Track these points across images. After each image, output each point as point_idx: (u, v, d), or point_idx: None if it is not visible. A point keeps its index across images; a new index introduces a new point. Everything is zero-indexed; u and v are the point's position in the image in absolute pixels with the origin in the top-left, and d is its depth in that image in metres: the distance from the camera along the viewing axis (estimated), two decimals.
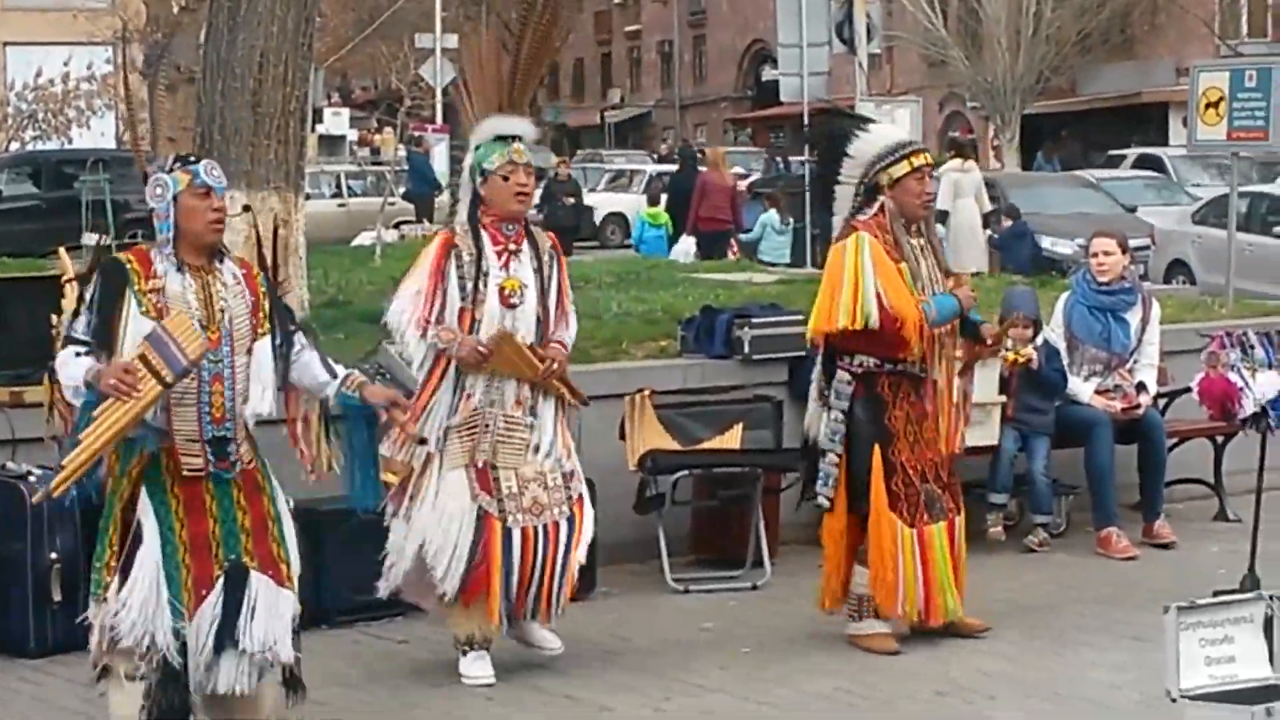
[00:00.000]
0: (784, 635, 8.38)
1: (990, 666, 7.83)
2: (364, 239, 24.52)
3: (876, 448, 7.96)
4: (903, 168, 7.99)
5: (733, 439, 9.59)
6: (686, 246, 24.64)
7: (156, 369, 6.06)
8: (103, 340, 6.19)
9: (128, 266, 6.29)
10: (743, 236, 25.22)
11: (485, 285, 7.52)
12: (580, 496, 7.69)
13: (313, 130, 36.41)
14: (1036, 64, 41.74)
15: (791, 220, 25.02)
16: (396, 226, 28.66)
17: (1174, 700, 6.07)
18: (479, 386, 7.55)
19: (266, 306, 6.42)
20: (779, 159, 43.55)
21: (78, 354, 6.16)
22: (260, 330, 6.38)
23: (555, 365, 7.58)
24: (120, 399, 6.02)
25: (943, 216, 23.03)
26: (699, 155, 29.63)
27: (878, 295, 7.81)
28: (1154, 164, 31.87)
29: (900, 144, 8.10)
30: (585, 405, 7.89)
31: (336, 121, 46.57)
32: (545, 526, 7.57)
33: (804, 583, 9.27)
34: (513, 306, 7.56)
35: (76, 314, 6.38)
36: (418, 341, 7.53)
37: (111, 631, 6.29)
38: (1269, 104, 14.00)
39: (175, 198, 6.32)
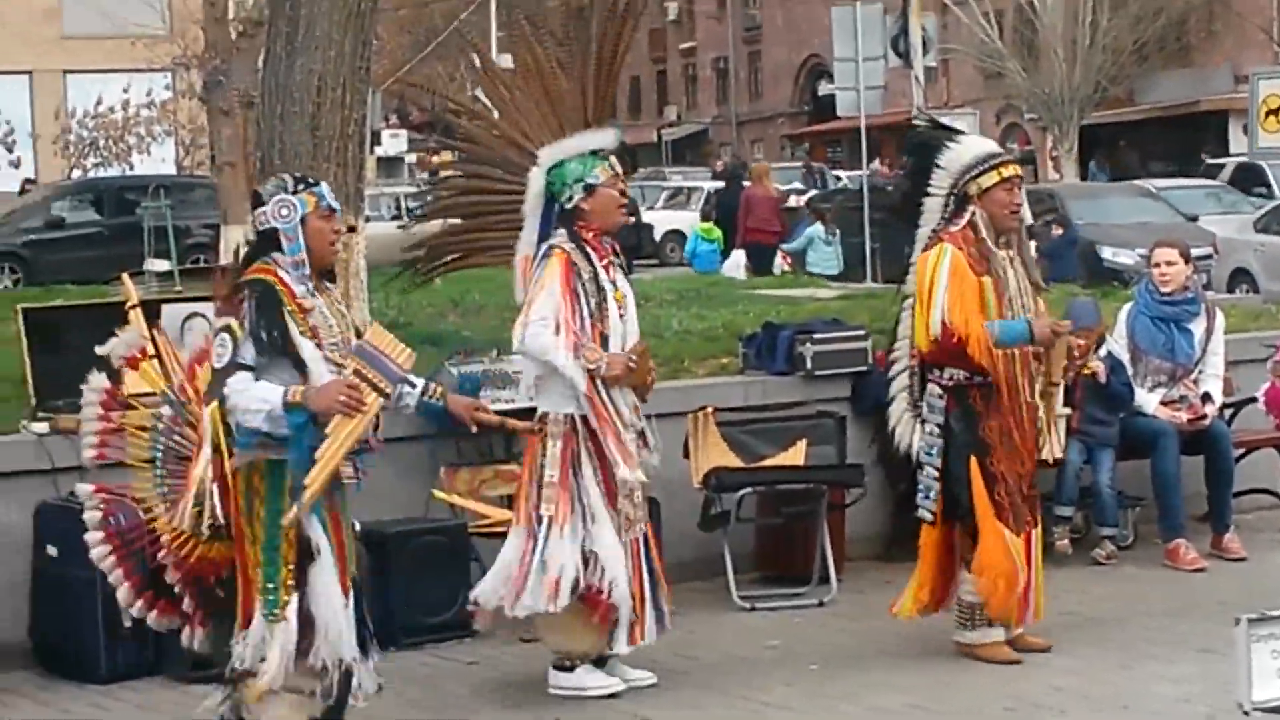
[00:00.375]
0: (850, 652, 8.36)
1: (1058, 681, 7.79)
2: None
3: (974, 459, 7.97)
4: (992, 178, 7.98)
5: (796, 455, 9.58)
6: (738, 260, 24.92)
7: (374, 382, 6.28)
8: (279, 358, 6.28)
9: (275, 285, 6.37)
10: (786, 246, 25.38)
11: (606, 300, 7.57)
12: (647, 511, 7.75)
13: (371, 152, 36.50)
14: (1093, 74, 41.57)
15: (839, 232, 25.26)
16: None
17: (1246, 713, 6.02)
18: (621, 401, 7.60)
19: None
20: (816, 173, 43.47)
21: (255, 379, 6.25)
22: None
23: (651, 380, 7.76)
24: (349, 414, 6.19)
25: None
26: (746, 171, 29.85)
27: (946, 308, 7.82)
28: (1254, 173, 31.31)
29: (990, 154, 8.10)
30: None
31: (394, 143, 46.72)
32: (631, 543, 7.61)
33: (870, 599, 9.26)
34: (622, 318, 7.62)
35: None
36: (572, 364, 7.47)
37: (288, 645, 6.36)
38: None
39: (303, 219, 6.43)
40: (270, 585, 6.38)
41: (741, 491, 9.25)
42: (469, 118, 8.35)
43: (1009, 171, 8.02)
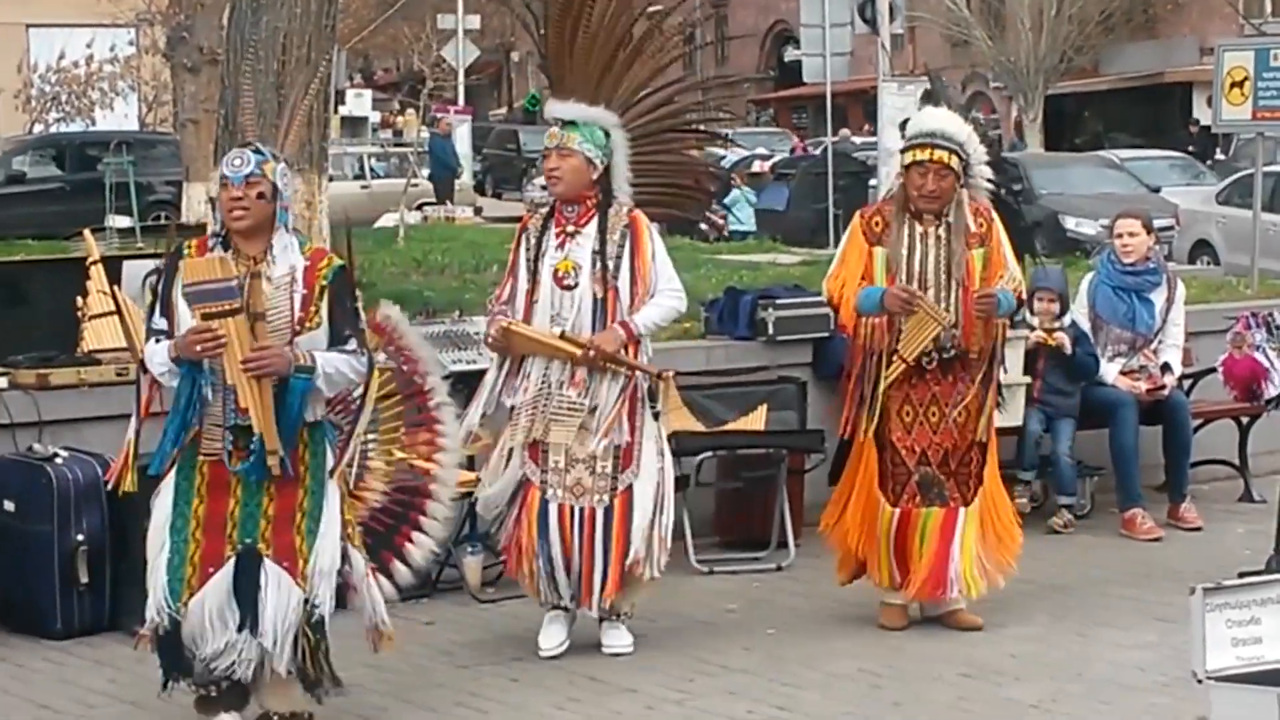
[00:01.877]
0: (808, 617, 8.38)
1: (1015, 648, 7.82)
2: (387, 221, 24.54)
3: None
4: (908, 157, 8.00)
5: (757, 420, 9.59)
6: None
7: (222, 309, 6.20)
8: (169, 324, 6.36)
9: (187, 252, 6.41)
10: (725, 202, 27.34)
11: (541, 267, 7.57)
12: (628, 489, 7.65)
13: (335, 112, 36.41)
14: (1060, 44, 41.62)
15: (756, 194, 28.25)
16: (419, 208, 28.67)
17: (1200, 681, 6.05)
18: (535, 368, 7.60)
19: (323, 302, 6.41)
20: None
21: (157, 342, 6.35)
22: (308, 324, 6.37)
23: (593, 352, 7.51)
24: (211, 351, 6.19)
25: None
26: None
27: (831, 271, 8.03)
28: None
29: (920, 133, 8.03)
30: (662, 379, 7.76)
31: (359, 103, 46.56)
32: (582, 510, 7.60)
33: (828, 564, 9.25)
34: (568, 288, 7.57)
35: (153, 308, 6.51)
36: (485, 325, 7.69)
37: None
38: None
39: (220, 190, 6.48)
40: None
41: (701, 455, 9.26)
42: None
43: (921, 155, 7.93)
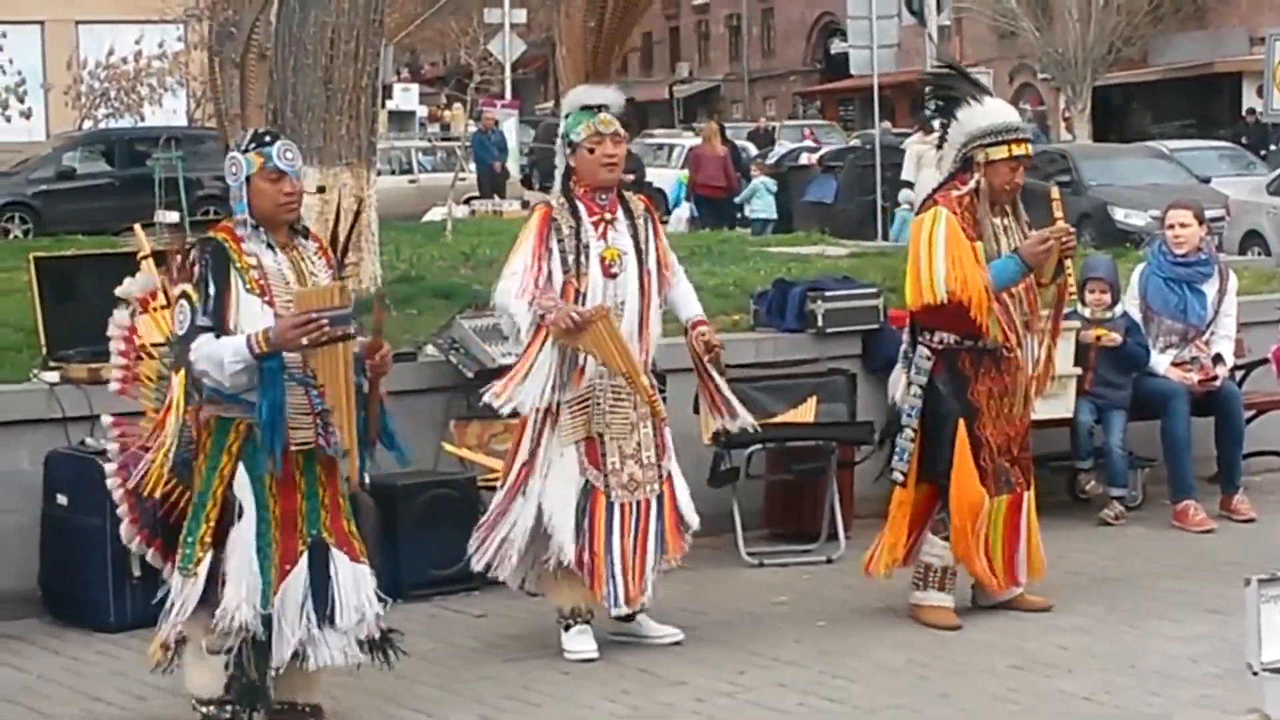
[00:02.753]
0: (858, 608, 8.37)
1: (1065, 640, 7.80)
2: (435, 214, 24.56)
3: (961, 423, 7.94)
4: (1000, 152, 7.90)
5: (807, 412, 9.59)
6: (681, 213, 28.18)
7: (334, 335, 6.20)
8: (219, 318, 6.23)
9: (226, 244, 6.33)
10: (737, 199, 28.13)
11: (587, 257, 7.51)
12: (669, 475, 7.69)
13: (383, 106, 36.49)
14: (1108, 34, 41.45)
15: (777, 184, 28.31)
16: (467, 202, 28.70)
17: (1255, 673, 6.03)
18: (591, 362, 7.52)
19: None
20: (764, 131, 43.73)
21: (215, 337, 6.22)
22: None
23: (658, 405, 7.63)
24: (315, 342, 6.15)
25: (907, 185, 24.89)
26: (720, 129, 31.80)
27: (946, 273, 7.79)
28: None
29: (1006, 126, 7.96)
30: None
31: (406, 97, 46.62)
32: (639, 504, 7.59)
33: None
34: (614, 276, 7.54)
35: (177, 301, 6.41)
36: (525, 311, 7.43)
37: (198, 605, 6.37)
38: None
39: (248, 179, 6.37)
40: (189, 540, 6.40)
41: (751, 448, 9.24)
42: None
43: (1019, 150, 7.93)
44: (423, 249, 15.46)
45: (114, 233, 16.89)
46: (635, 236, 7.62)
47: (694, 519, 7.75)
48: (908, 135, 27.63)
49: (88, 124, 36.73)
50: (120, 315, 6.78)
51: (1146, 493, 10.31)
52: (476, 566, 7.71)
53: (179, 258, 6.62)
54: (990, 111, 8.02)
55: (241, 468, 6.35)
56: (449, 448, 8.88)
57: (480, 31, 39.51)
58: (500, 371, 8.26)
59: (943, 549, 8.04)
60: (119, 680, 7.46)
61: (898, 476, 8.09)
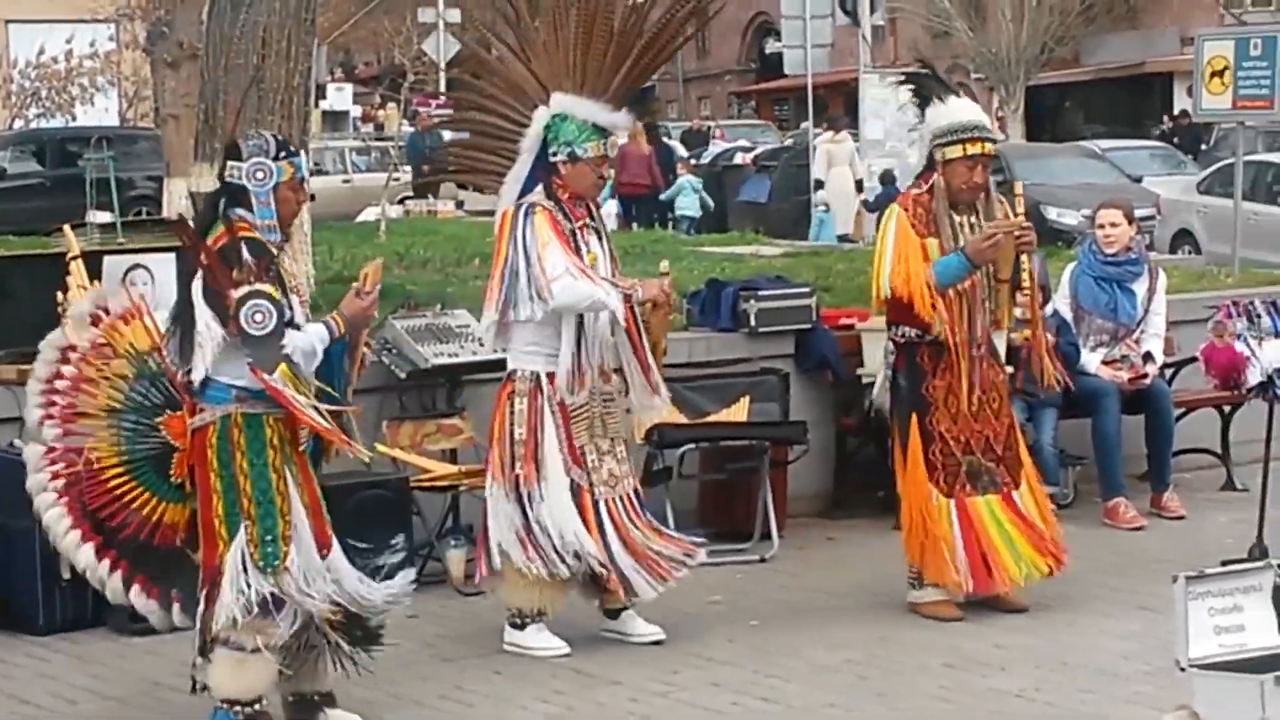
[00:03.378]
0: (792, 608, 8.39)
1: (999, 638, 7.83)
2: (369, 214, 24.51)
3: (914, 416, 8.00)
4: (955, 151, 7.98)
5: (740, 412, 9.60)
6: (608, 210, 27.67)
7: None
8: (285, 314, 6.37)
9: (267, 246, 6.46)
10: (662, 196, 28.57)
11: (583, 259, 7.57)
12: (632, 469, 7.84)
13: (316, 106, 36.34)
14: (1040, 34, 41.56)
15: (702, 181, 28.99)
16: (401, 202, 28.64)
17: (1183, 669, 6.07)
18: (591, 371, 7.59)
19: None
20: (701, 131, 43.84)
21: (296, 328, 6.41)
22: None
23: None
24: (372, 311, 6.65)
25: (819, 184, 25.90)
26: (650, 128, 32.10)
27: (891, 269, 7.89)
28: None
29: (962, 126, 8.02)
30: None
31: (340, 97, 46.47)
32: (620, 498, 7.64)
33: (811, 555, 9.31)
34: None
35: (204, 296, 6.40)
36: (614, 295, 7.48)
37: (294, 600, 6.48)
38: (1274, 72, 13.97)
39: (275, 186, 6.50)
40: (269, 538, 6.43)
41: (684, 447, 9.25)
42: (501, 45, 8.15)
43: (974, 149, 7.99)
44: (356, 249, 15.43)
45: (45, 233, 16.75)
46: (603, 241, 7.71)
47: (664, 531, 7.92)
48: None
49: (18, 124, 36.45)
50: (57, 337, 6.71)
51: (1077, 490, 10.35)
52: (539, 571, 7.57)
53: (207, 259, 6.48)
54: (951, 111, 8.08)
55: (281, 459, 6.47)
56: (382, 448, 8.85)
57: (414, 31, 39.41)
58: (431, 372, 8.34)
59: None
60: (48, 683, 7.41)
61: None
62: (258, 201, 6.48)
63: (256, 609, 6.39)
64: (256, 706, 6.54)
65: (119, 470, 6.55)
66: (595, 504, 7.59)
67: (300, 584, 6.45)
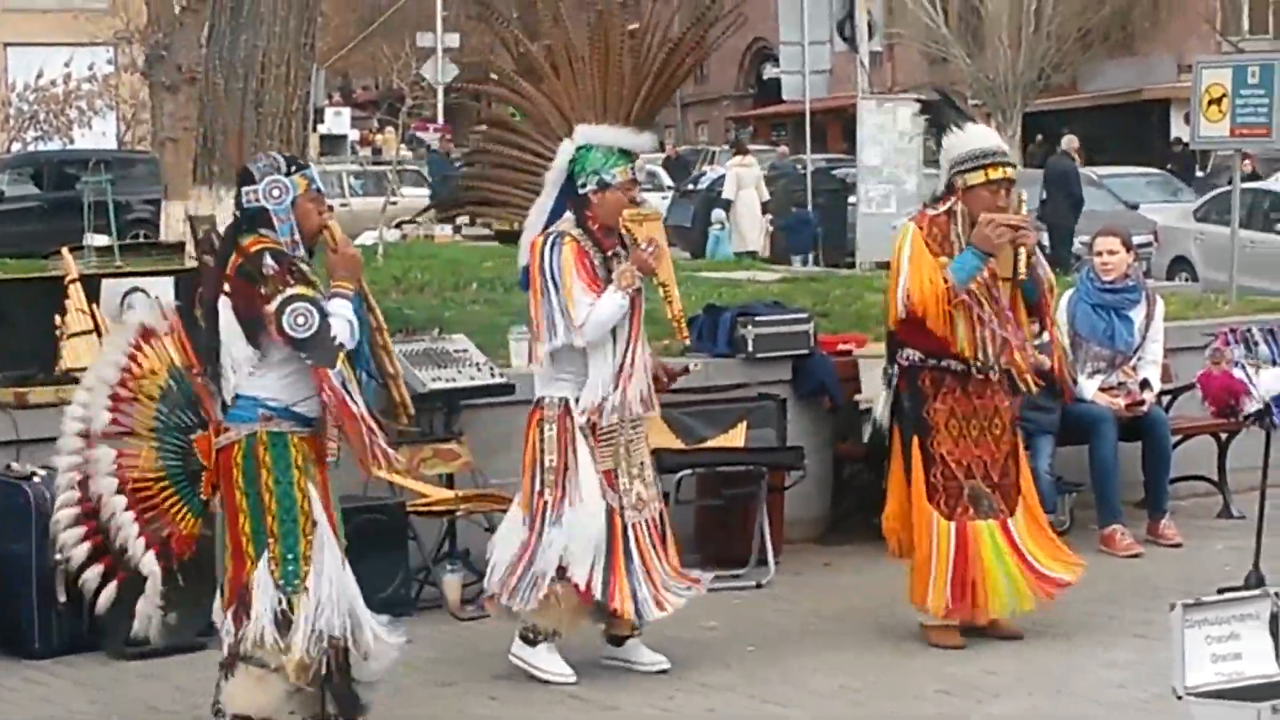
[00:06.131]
0: (788, 633, 8.39)
1: (993, 665, 7.83)
2: (366, 239, 24.51)
3: (915, 438, 8.02)
4: (977, 177, 7.99)
5: (737, 437, 9.59)
6: None
7: None
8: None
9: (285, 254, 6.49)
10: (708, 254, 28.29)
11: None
12: (660, 489, 7.83)
13: (314, 130, 36.40)
14: (1038, 61, 41.65)
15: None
16: (399, 226, 28.66)
17: (1180, 698, 6.06)
18: (619, 394, 7.57)
19: None
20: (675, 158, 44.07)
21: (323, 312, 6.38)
22: None
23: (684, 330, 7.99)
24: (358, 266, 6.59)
25: (726, 205, 26.47)
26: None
27: (908, 280, 7.91)
28: None
29: (983, 152, 8.04)
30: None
31: (338, 121, 46.55)
32: (647, 521, 7.65)
33: (808, 581, 9.31)
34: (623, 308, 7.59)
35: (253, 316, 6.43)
36: (618, 298, 7.49)
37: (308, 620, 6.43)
38: (1272, 100, 13.99)
39: (294, 201, 6.51)
40: (290, 556, 6.45)
41: (681, 473, 9.25)
42: (524, 76, 8.15)
43: (996, 174, 8.00)
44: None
45: (42, 256, 16.76)
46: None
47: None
48: (843, 160, 27.86)
49: (16, 146, 36.49)
50: (112, 348, 6.72)
51: (1074, 517, 10.35)
52: (517, 608, 7.60)
53: (225, 277, 6.52)
54: (970, 138, 8.10)
55: (305, 479, 6.48)
56: (378, 472, 8.83)
57: (412, 56, 39.47)
58: (428, 397, 8.33)
59: None
60: (45, 707, 7.41)
61: None
62: (278, 219, 6.49)
63: (307, 625, 6.43)
64: None
65: (166, 484, 6.59)
66: (625, 528, 7.58)
67: (319, 604, 6.44)
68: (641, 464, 7.70)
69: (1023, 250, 7.99)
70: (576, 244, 7.56)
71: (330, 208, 6.71)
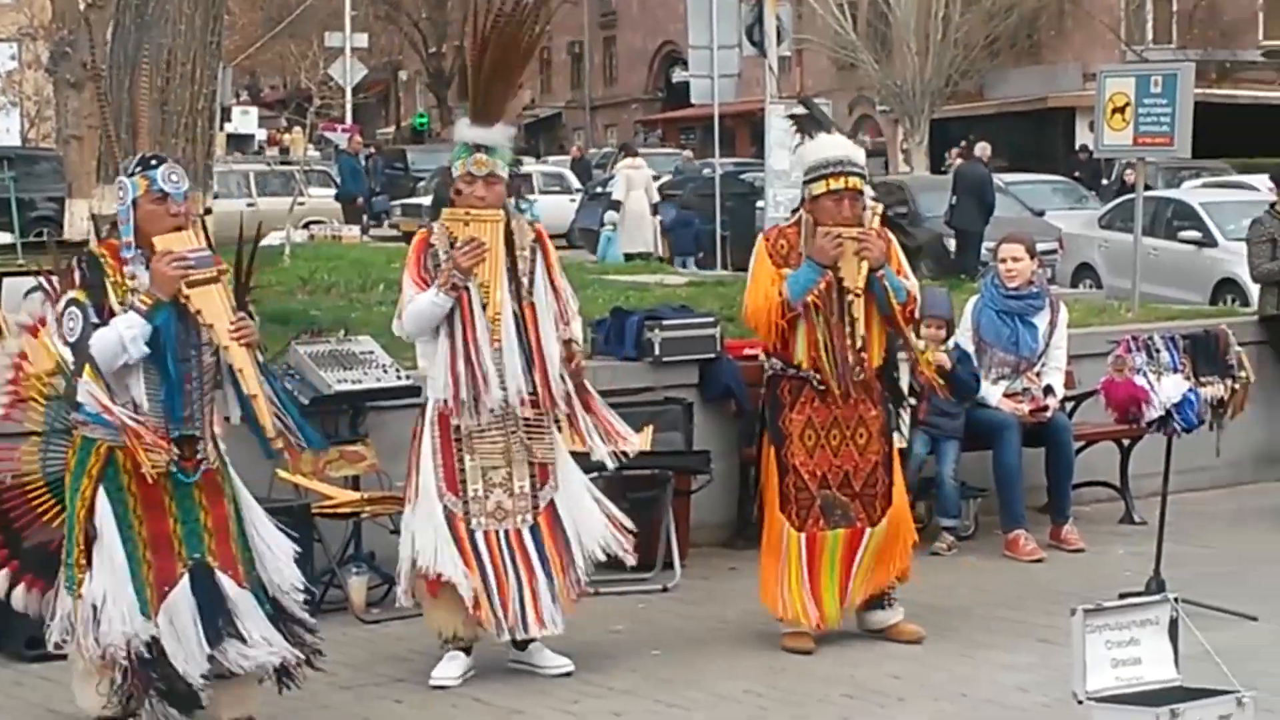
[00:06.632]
0: (694, 638, 8.39)
1: (898, 669, 7.85)
2: (273, 239, 24.37)
3: (771, 448, 8.06)
4: (819, 187, 8.00)
5: (643, 441, 9.57)
6: None
7: (205, 277, 6.36)
8: (105, 322, 6.25)
9: (103, 259, 6.39)
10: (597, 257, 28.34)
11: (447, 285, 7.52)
12: (550, 504, 7.67)
13: (221, 129, 36.18)
14: (945, 68, 41.89)
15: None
16: (306, 227, 28.53)
17: (1080, 702, 6.12)
18: (493, 395, 7.52)
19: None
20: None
21: (97, 328, 6.26)
22: None
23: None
24: (185, 279, 6.29)
25: (616, 206, 26.77)
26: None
27: (749, 293, 8.03)
28: None
29: (826, 161, 8.02)
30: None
31: (245, 120, 46.32)
32: (507, 532, 7.57)
33: (714, 585, 9.31)
34: (484, 306, 7.52)
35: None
36: (430, 298, 7.44)
37: (88, 625, 6.35)
38: (1174, 109, 14.10)
39: (134, 202, 6.41)
40: (69, 561, 6.43)
41: (588, 476, 9.22)
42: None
43: (836, 184, 7.97)
44: (260, 274, 15.31)
45: None
46: (513, 269, 7.58)
47: (580, 564, 7.70)
48: (751, 164, 27.93)
49: None
50: (11, 343, 6.71)
51: (978, 522, 10.41)
52: (405, 602, 7.73)
53: (60, 268, 6.62)
54: (819, 148, 8.10)
55: (101, 491, 6.37)
56: (283, 474, 8.80)
57: (321, 55, 39.36)
58: (334, 399, 8.28)
59: None
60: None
61: None
62: (120, 220, 6.43)
63: (85, 631, 6.38)
64: None
65: (42, 487, 6.61)
66: (471, 534, 7.53)
67: (95, 614, 6.34)
68: (509, 474, 7.58)
69: (865, 263, 7.97)
70: (424, 236, 7.63)
71: (208, 210, 6.64)
